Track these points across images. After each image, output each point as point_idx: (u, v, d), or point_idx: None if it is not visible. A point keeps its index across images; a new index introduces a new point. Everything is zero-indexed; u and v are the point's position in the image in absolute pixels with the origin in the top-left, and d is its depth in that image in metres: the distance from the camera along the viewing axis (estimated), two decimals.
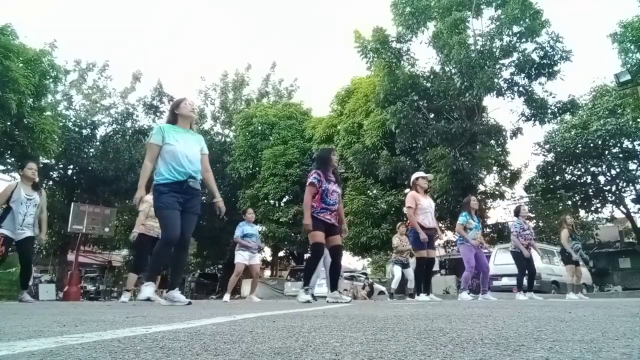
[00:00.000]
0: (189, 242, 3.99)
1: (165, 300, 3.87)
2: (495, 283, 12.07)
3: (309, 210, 4.52)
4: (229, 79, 25.46)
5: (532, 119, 14.72)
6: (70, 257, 17.52)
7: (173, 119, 3.96)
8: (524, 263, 7.15)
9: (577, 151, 18.97)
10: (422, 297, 5.89)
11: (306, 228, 4.54)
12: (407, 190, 15.11)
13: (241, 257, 7.25)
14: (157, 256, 3.90)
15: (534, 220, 18.02)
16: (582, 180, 20.68)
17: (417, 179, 6.19)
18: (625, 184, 19.96)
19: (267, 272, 25.77)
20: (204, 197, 21.28)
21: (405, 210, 6.11)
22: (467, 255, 6.65)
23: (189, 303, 3.82)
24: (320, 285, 7.78)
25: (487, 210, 16.04)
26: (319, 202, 4.57)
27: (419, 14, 14.52)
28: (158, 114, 19.44)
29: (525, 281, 7.18)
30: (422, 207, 5.98)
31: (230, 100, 25.40)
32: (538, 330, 1.36)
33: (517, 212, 7.59)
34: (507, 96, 14.57)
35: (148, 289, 3.51)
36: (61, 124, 15.89)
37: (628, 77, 13.15)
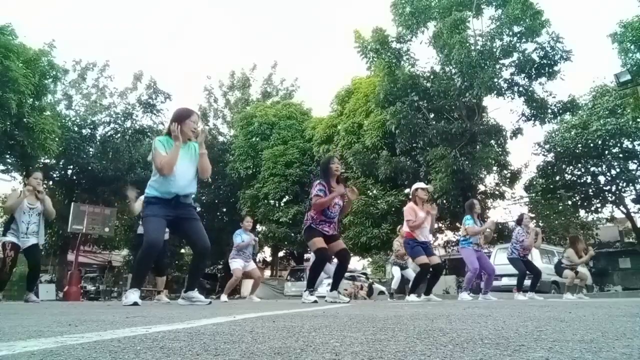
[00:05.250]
0: (209, 248, 3.78)
1: (183, 300, 3.84)
2: (495, 283, 12.02)
3: (328, 197, 4.46)
4: (235, 78, 25.53)
5: (532, 119, 14.73)
6: (70, 257, 17.53)
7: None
8: (522, 267, 7.17)
9: (577, 151, 18.95)
10: (412, 297, 5.86)
11: (337, 192, 4.49)
12: (407, 190, 15.11)
13: (237, 264, 7.26)
14: (141, 262, 3.78)
15: (534, 221, 18.02)
16: (582, 180, 20.66)
17: (416, 190, 6.03)
18: (625, 184, 19.94)
19: (267, 272, 25.78)
20: (204, 197, 21.26)
21: (405, 222, 6.00)
22: (469, 258, 6.62)
23: (210, 302, 3.81)
24: (322, 285, 7.79)
25: (487, 211, 16.03)
26: (319, 214, 4.52)
27: (419, 14, 14.52)
28: (155, 112, 19.42)
29: (528, 282, 7.20)
30: (419, 220, 5.88)
31: (235, 100, 25.46)
32: (538, 330, 1.36)
33: (519, 221, 7.62)
34: (507, 96, 14.58)
35: (133, 295, 3.47)
36: (61, 124, 15.90)
37: (628, 77, 13.14)
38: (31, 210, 5.50)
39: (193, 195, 3.83)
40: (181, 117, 3.69)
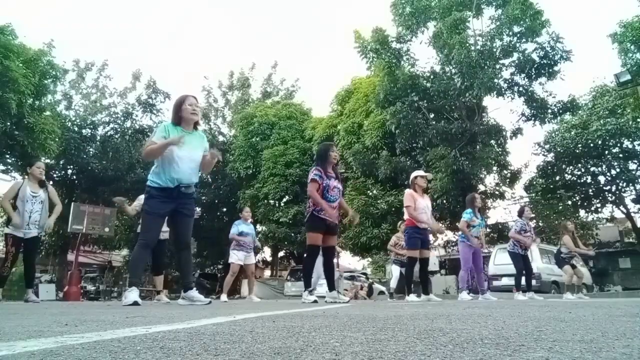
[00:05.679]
0: (190, 243, 3.91)
1: (183, 300, 3.85)
2: (495, 283, 12.06)
3: (322, 200, 4.48)
4: (234, 78, 25.54)
5: (532, 119, 14.73)
6: (70, 257, 17.52)
7: (177, 119, 3.75)
8: (521, 263, 7.17)
9: (577, 151, 18.95)
10: (412, 297, 5.85)
11: (328, 211, 4.48)
12: (407, 190, 15.07)
13: (235, 257, 7.17)
14: (136, 260, 3.84)
15: (534, 220, 18.03)
16: (582, 180, 20.66)
17: (415, 177, 6.09)
18: (625, 184, 19.94)
19: (267, 272, 25.77)
20: (204, 197, 21.24)
21: (404, 209, 6.04)
22: (465, 254, 6.65)
23: (210, 302, 3.82)
24: (321, 285, 7.78)
25: (487, 210, 16.03)
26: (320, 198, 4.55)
27: (418, 14, 14.51)
28: (155, 112, 19.41)
29: (523, 280, 7.20)
30: (419, 207, 5.90)
31: (235, 100, 25.47)
32: (538, 330, 1.36)
33: (520, 213, 7.61)
34: (507, 96, 14.57)
35: (133, 294, 3.48)
36: (61, 124, 15.89)
37: (628, 77, 13.13)
38: (34, 198, 5.44)
39: (195, 184, 3.81)
40: (177, 105, 3.76)
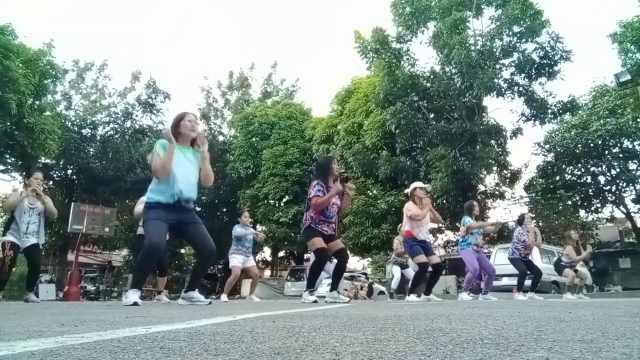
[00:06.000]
0: (214, 251, 3.80)
1: (183, 300, 3.86)
2: (495, 283, 12.02)
3: (329, 195, 4.48)
4: (234, 77, 25.55)
5: (532, 119, 14.73)
6: (70, 257, 17.53)
7: (175, 135, 3.73)
8: (523, 266, 7.19)
9: (577, 151, 18.96)
10: (412, 297, 5.86)
11: (337, 189, 4.53)
12: (406, 190, 15.08)
13: (236, 261, 7.22)
14: (142, 264, 3.79)
15: (534, 221, 18.03)
16: (582, 180, 20.67)
17: (414, 189, 6.05)
18: (625, 184, 19.95)
19: (267, 272, 25.77)
20: (204, 197, 21.26)
21: (407, 217, 5.99)
22: (469, 260, 6.63)
23: (210, 302, 3.82)
24: (321, 285, 7.79)
25: (487, 211, 16.03)
26: (318, 214, 4.52)
27: (418, 14, 14.51)
28: (155, 112, 19.42)
29: (529, 282, 7.21)
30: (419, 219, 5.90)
31: (235, 99, 25.47)
32: (538, 330, 1.36)
33: (520, 221, 7.60)
34: (507, 96, 14.57)
35: (133, 295, 3.48)
36: (61, 124, 15.91)
37: (628, 77, 13.13)
38: (31, 210, 5.52)
39: (193, 200, 3.81)
40: (176, 121, 3.79)
